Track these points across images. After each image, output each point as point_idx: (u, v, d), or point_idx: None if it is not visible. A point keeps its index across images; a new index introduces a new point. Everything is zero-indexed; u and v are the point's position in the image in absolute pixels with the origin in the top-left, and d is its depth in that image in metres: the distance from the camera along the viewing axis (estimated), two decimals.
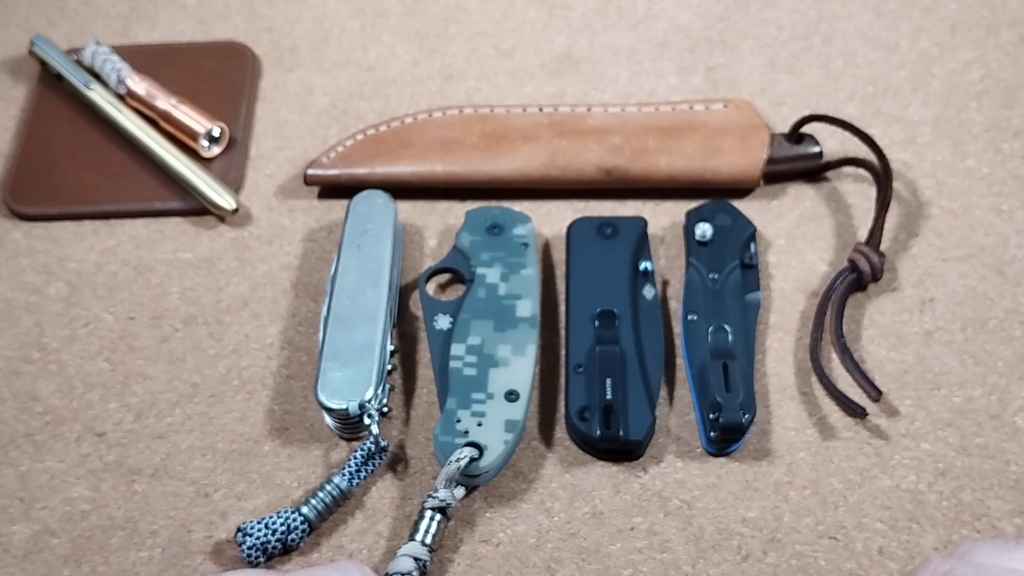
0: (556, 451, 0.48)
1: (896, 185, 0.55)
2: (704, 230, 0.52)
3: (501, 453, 0.45)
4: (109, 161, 0.57)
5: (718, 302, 0.50)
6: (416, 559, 0.43)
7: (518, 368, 0.47)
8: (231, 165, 0.57)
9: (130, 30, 0.63)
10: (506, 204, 0.55)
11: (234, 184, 0.56)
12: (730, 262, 0.51)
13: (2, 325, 0.52)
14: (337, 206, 0.56)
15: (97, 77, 0.59)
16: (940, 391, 0.49)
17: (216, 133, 0.57)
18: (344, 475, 0.46)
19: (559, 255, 0.54)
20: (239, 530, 0.45)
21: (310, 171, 0.55)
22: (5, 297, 0.53)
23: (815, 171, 0.55)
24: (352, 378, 0.46)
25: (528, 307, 0.49)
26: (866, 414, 0.48)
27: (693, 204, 0.54)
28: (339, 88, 0.60)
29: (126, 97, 0.59)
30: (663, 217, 0.55)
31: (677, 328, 0.51)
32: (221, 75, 0.60)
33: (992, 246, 0.53)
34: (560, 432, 0.48)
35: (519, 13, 0.63)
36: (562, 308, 0.52)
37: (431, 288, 0.52)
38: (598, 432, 0.46)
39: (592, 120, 0.56)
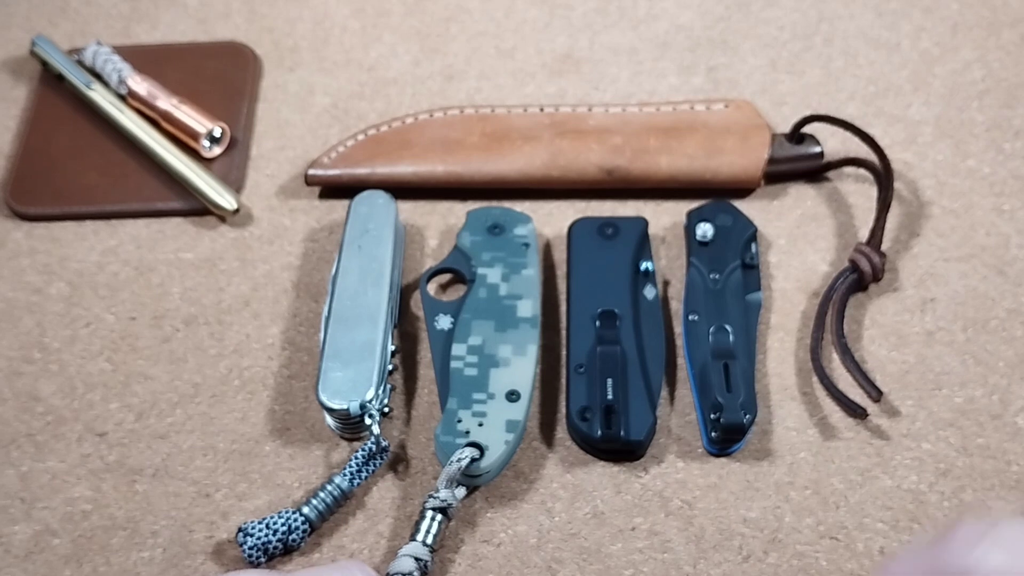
0: (557, 451, 0.48)
1: (897, 185, 0.55)
2: (705, 230, 0.52)
3: (502, 453, 0.45)
4: (110, 161, 0.57)
5: (719, 302, 0.50)
6: (417, 559, 0.43)
7: (519, 368, 0.47)
8: (232, 165, 0.57)
9: (131, 30, 0.63)
10: (507, 204, 0.55)
11: (235, 184, 0.56)
12: (731, 262, 0.51)
13: (3, 325, 0.52)
14: (338, 206, 0.56)
15: (98, 77, 0.59)
16: (941, 391, 0.49)
17: (217, 133, 0.57)
18: (345, 475, 0.46)
19: (560, 255, 0.54)
20: (240, 530, 0.45)
21: (311, 171, 0.55)
22: (6, 297, 0.53)
23: (816, 171, 0.55)
24: (353, 378, 0.46)
25: (529, 307, 0.49)
26: (867, 414, 0.48)
27: (694, 204, 0.54)
28: (340, 88, 0.60)
29: (127, 97, 0.59)
30: (664, 217, 0.55)
31: (678, 328, 0.51)
32: (222, 75, 0.60)
33: (993, 246, 0.53)
34: (561, 432, 0.48)
35: (520, 13, 0.63)
36: (563, 308, 0.52)
37: (432, 288, 0.52)
38: (599, 432, 0.46)
39: (593, 120, 0.56)
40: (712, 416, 0.47)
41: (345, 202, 0.54)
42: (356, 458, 0.46)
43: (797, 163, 0.55)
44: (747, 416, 0.46)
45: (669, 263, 0.53)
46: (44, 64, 0.60)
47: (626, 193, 0.55)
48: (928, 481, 0.46)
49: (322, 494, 0.45)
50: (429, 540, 0.44)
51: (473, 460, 0.45)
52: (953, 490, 0.46)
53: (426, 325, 0.50)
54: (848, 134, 0.55)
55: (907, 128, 0.57)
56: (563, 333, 0.51)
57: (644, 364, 0.48)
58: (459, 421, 0.46)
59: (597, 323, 0.49)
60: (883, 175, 0.53)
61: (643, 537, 0.45)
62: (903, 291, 0.52)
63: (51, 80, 0.60)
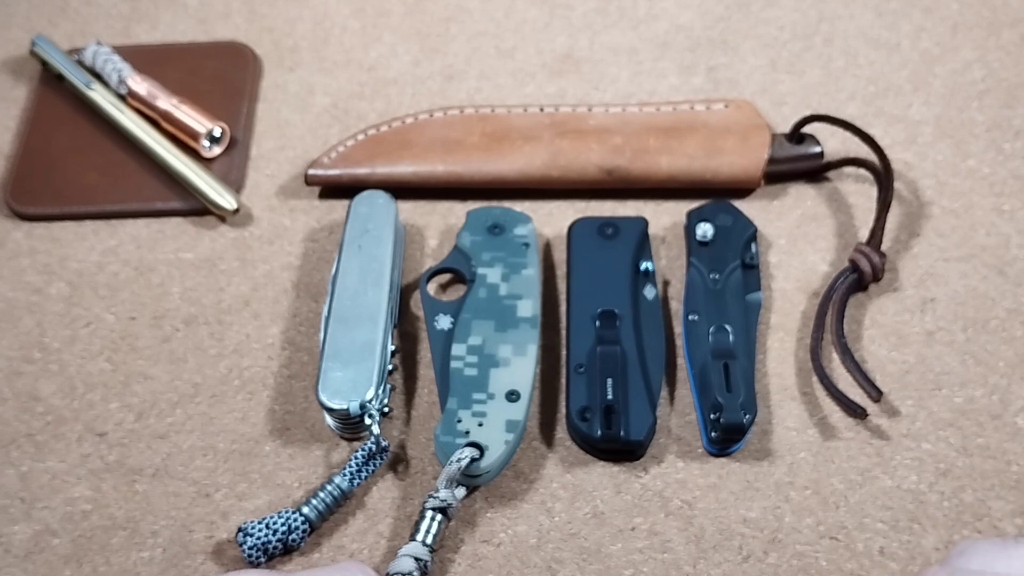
0: (557, 451, 0.48)
1: (897, 185, 0.55)
2: (705, 230, 0.52)
3: (502, 453, 0.45)
4: (110, 161, 0.57)
5: (719, 302, 0.50)
6: (417, 559, 0.43)
7: (519, 368, 0.47)
8: (232, 165, 0.57)
9: (131, 30, 0.63)
10: (507, 204, 0.55)
11: (235, 184, 0.56)
12: (731, 262, 0.51)
13: (3, 325, 0.52)
14: (338, 206, 0.56)
15: (98, 77, 0.59)
16: (941, 391, 0.49)
17: (217, 133, 0.57)
18: (345, 475, 0.46)
19: (560, 255, 0.54)
20: (240, 530, 0.45)
21: (311, 171, 0.55)
22: (6, 297, 0.53)
23: (816, 171, 0.55)
24: (353, 378, 0.46)
25: (529, 307, 0.49)
26: (867, 414, 0.48)
27: (694, 204, 0.54)
28: (340, 88, 0.60)
29: (127, 97, 0.59)
30: (664, 217, 0.55)
31: (678, 328, 0.51)
32: (222, 75, 0.60)
33: (993, 246, 0.53)
34: (561, 432, 0.48)
35: (520, 13, 0.63)
36: (563, 308, 0.52)
37: (432, 288, 0.52)
38: (599, 432, 0.46)
39: (593, 120, 0.56)
40: (712, 416, 0.47)
41: (345, 202, 0.54)
42: (356, 458, 0.46)
43: (797, 163, 0.55)
44: (747, 416, 0.46)
45: (669, 263, 0.53)
46: (44, 64, 0.60)
47: (626, 193, 0.55)
48: (928, 481, 0.46)
49: (322, 494, 0.45)
50: (429, 540, 0.44)
51: (473, 460, 0.45)
52: (953, 490, 0.46)
53: (426, 325, 0.50)
54: (848, 134, 0.55)
55: (907, 128, 0.57)
56: (563, 333, 0.51)
57: (644, 364, 0.48)
58: (459, 421, 0.46)
59: (597, 323, 0.49)
60: (883, 175, 0.53)
61: (643, 537, 0.45)
62: (903, 291, 0.52)
63: (51, 80, 0.60)
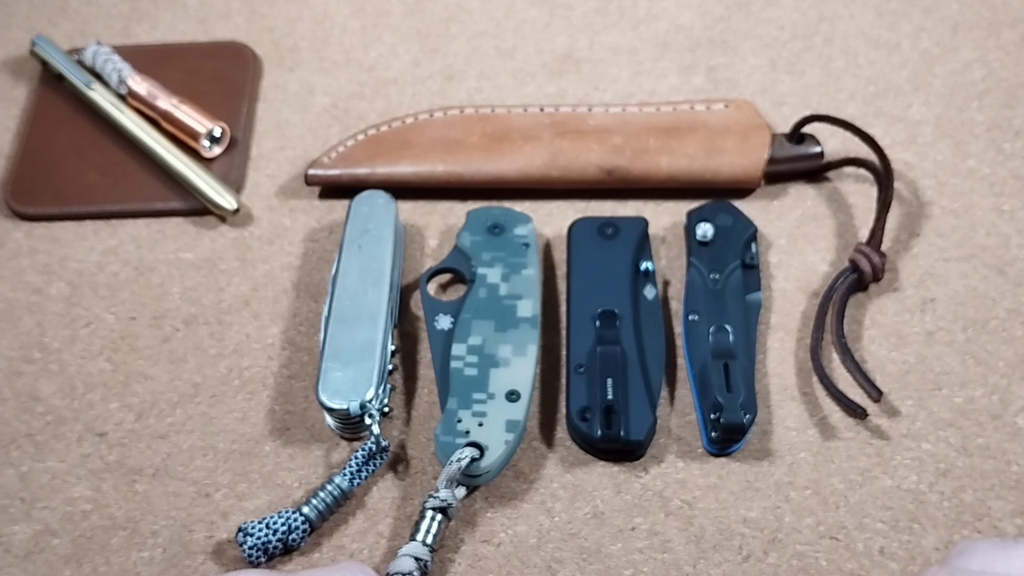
0: (557, 451, 0.48)
1: (897, 185, 0.55)
2: (705, 230, 0.52)
3: (502, 453, 0.45)
4: (110, 161, 0.57)
5: (719, 302, 0.50)
6: (417, 559, 0.43)
7: (519, 368, 0.47)
8: (232, 165, 0.57)
9: (131, 30, 0.63)
10: (507, 204, 0.55)
11: (235, 184, 0.56)
12: (731, 262, 0.51)
13: (3, 325, 0.52)
14: (338, 206, 0.56)
15: (98, 77, 0.59)
16: (941, 391, 0.49)
17: (217, 133, 0.57)
18: (345, 475, 0.46)
19: (560, 255, 0.54)
20: (240, 530, 0.45)
21: (311, 171, 0.55)
22: (6, 297, 0.53)
23: (816, 171, 0.55)
24: (353, 378, 0.46)
25: (529, 307, 0.49)
26: (867, 414, 0.48)
27: (694, 204, 0.54)
28: (340, 88, 0.60)
29: (127, 97, 0.59)
30: (664, 217, 0.55)
31: (678, 328, 0.51)
32: (222, 75, 0.60)
33: (993, 246, 0.53)
34: (561, 432, 0.48)
35: (520, 13, 0.63)
36: (563, 308, 0.52)
37: (432, 288, 0.52)
38: (599, 432, 0.46)
39: (593, 120, 0.56)
40: (712, 416, 0.47)
41: (345, 202, 0.54)
42: (356, 458, 0.46)
43: (797, 163, 0.55)
44: (747, 416, 0.46)
45: (669, 263, 0.53)
46: (44, 64, 0.60)
47: (626, 193, 0.55)
48: (928, 481, 0.46)
49: (322, 494, 0.45)
50: (429, 540, 0.44)
51: (473, 460, 0.45)
52: (953, 490, 0.46)
53: (426, 325, 0.50)
54: (848, 134, 0.55)
55: (907, 128, 0.57)
56: (563, 333, 0.51)
57: (644, 364, 0.48)
58: (459, 421, 0.46)
59: (597, 323, 0.49)
60: (883, 175, 0.53)
61: (643, 537, 0.45)
62: (903, 291, 0.52)
63: (51, 80, 0.60)
